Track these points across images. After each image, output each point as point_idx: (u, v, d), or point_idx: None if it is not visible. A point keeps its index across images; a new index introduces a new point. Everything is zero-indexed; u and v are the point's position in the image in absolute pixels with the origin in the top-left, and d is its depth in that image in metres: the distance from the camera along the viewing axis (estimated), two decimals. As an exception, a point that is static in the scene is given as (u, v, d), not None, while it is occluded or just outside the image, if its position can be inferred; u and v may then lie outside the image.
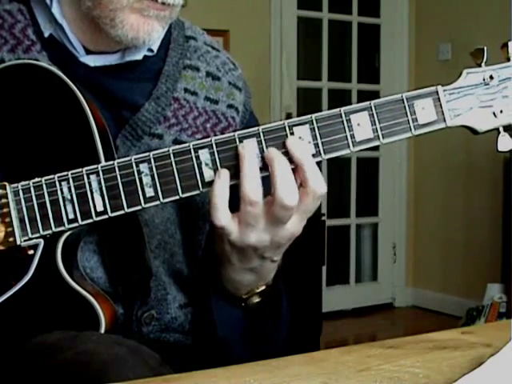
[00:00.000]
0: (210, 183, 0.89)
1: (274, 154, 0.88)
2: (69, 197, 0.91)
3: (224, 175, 0.88)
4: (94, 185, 0.91)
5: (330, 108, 0.90)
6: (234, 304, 1.03)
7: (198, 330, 1.09)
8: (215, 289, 1.03)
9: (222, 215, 0.88)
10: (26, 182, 0.92)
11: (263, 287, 1.02)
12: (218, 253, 0.97)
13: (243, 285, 1.00)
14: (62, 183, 0.91)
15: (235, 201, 0.89)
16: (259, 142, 0.89)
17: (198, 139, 0.91)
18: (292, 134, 0.90)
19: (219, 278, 1.01)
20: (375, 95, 4.46)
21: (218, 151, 0.90)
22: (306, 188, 0.88)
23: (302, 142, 0.89)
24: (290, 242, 0.94)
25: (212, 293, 1.04)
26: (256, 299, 1.02)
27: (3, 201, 0.93)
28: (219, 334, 1.03)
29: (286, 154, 0.89)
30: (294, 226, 0.91)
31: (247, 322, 1.05)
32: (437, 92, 0.91)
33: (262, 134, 0.90)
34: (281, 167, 0.87)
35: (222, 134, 0.99)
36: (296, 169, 0.89)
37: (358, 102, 0.90)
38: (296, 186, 0.88)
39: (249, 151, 0.88)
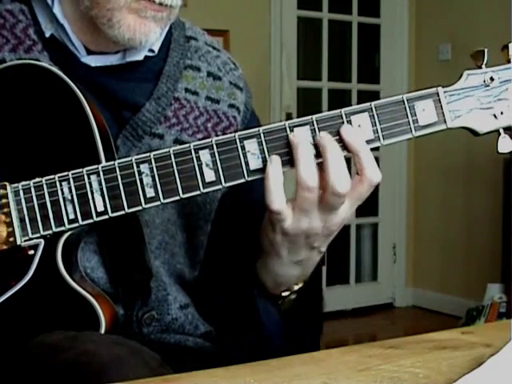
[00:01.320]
0: (211, 184, 0.89)
1: (327, 140, 0.88)
2: (69, 197, 0.91)
3: (276, 161, 0.88)
4: (95, 185, 0.91)
5: (330, 108, 0.90)
6: (271, 303, 1.03)
7: (232, 331, 1.09)
8: (253, 288, 1.03)
9: (278, 199, 0.87)
10: (27, 182, 0.92)
11: (301, 284, 1.01)
12: (265, 246, 0.96)
13: (286, 280, 1.00)
14: (63, 183, 0.91)
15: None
16: (259, 143, 0.89)
17: (199, 139, 0.91)
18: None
19: (258, 276, 1.00)
20: (375, 95, 4.45)
21: (218, 152, 0.90)
22: (362, 176, 0.89)
23: (357, 129, 0.89)
24: (339, 229, 0.93)
25: (255, 293, 1.03)
26: (293, 296, 1.02)
27: (4, 201, 0.93)
28: (265, 332, 1.03)
29: (339, 141, 0.89)
30: (345, 212, 0.90)
31: (285, 320, 1.05)
32: (437, 93, 0.91)
33: (262, 135, 0.89)
34: (333, 154, 0.87)
35: (224, 133, 0.99)
36: (352, 157, 0.88)
37: (358, 102, 0.90)
38: (348, 173, 0.88)
39: (302, 138, 0.87)
